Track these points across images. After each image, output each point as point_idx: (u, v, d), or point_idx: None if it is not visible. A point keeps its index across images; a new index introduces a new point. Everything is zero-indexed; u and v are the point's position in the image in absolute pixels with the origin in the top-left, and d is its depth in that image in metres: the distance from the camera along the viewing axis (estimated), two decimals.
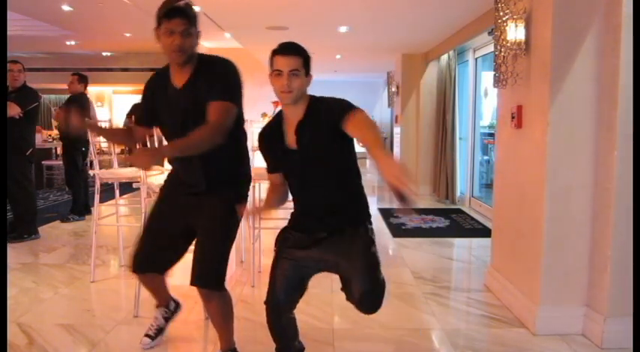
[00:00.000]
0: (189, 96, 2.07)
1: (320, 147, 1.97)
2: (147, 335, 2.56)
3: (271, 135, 2.09)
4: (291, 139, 2.01)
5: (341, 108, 1.90)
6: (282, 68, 1.92)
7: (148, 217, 2.35)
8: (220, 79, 2.06)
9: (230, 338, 2.33)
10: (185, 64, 2.06)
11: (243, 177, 2.30)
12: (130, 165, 2.14)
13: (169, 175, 2.37)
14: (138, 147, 2.27)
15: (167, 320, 2.62)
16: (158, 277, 2.43)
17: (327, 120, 1.92)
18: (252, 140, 3.00)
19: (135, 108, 9.56)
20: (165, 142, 2.33)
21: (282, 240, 2.16)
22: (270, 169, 2.15)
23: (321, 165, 2.00)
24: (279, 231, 2.20)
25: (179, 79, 2.10)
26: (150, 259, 2.30)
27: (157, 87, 2.19)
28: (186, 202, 2.22)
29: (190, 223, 2.23)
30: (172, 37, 1.97)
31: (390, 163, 1.58)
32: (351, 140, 1.97)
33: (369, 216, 2.11)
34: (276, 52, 1.96)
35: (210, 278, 2.16)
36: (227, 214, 2.20)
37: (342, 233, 2.04)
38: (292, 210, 2.17)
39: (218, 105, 2.01)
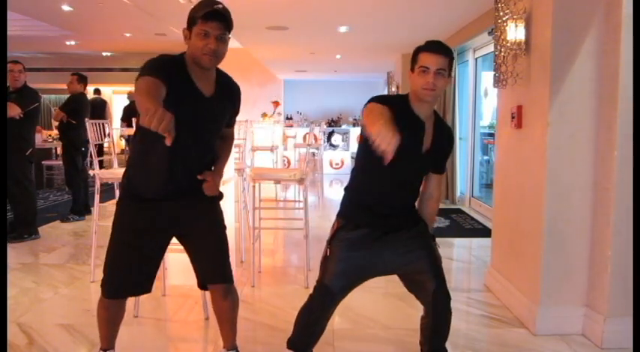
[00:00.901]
0: (216, 108, 2.05)
1: (438, 157, 2.09)
2: None
3: (402, 110, 1.94)
4: (427, 139, 2.01)
5: (447, 158, 2.17)
6: (429, 65, 1.89)
7: (120, 234, 2.08)
8: (239, 106, 2.19)
9: (236, 334, 2.31)
10: (209, 70, 2.00)
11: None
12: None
13: (133, 191, 2.08)
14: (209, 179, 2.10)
15: None
16: (123, 309, 2.20)
17: (447, 148, 2.12)
18: (253, 140, 2.99)
19: (127, 112, 9.51)
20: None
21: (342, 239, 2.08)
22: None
23: (422, 172, 2.10)
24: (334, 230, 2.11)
25: (205, 84, 2.00)
26: (136, 280, 2.09)
27: (176, 78, 1.93)
28: (168, 208, 2.06)
29: (175, 228, 2.13)
30: (207, 40, 1.88)
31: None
32: None
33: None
34: (423, 49, 1.94)
35: (230, 273, 2.19)
36: (217, 210, 2.21)
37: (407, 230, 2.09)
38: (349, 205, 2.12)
39: (233, 132, 2.29)
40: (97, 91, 10.91)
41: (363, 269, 2.06)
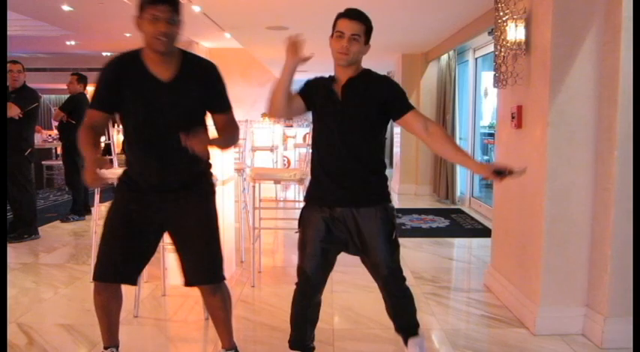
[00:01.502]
0: (179, 92, 2.01)
1: (360, 109, 2.06)
2: None
3: (324, 80, 2.14)
4: (343, 95, 2.07)
5: (403, 97, 2.09)
6: (344, 30, 2.01)
7: (112, 223, 2.11)
8: (224, 88, 2.11)
9: (232, 333, 2.29)
10: (167, 54, 1.98)
11: (209, 167, 2.24)
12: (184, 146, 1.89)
13: (126, 180, 2.15)
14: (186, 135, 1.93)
15: None
16: (117, 303, 2.20)
17: (377, 93, 2.06)
18: (252, 140, 3.00)
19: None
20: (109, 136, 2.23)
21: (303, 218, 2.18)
22: (306, 98, 2.12)
23: (356, 127, 2.06)
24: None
25: (162, 71, 2.00)
26: (120, 267, 2.09)
27: (123, 71, 2.02)
28: (159, 203, 2.09)
29: (164, 223, 2.14)
30: (157, 23, 1.90)
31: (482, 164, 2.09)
32: (387, 121, 2.13)
33: (389, 198, 2.16)
34: (341, 16, 2.05)
35: (216, 272, 2.16)
36: (209, 208, 2.18)
37: (358, 207, 2.07)
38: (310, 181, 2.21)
39: (233, 117, 2.16)
40: None
41: (325, 250, 2.12)
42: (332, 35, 2.06)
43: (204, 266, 2.14)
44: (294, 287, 2.21)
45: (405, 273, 2.21)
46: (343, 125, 2.05)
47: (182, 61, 2.03)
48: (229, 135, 2.15)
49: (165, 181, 2.08)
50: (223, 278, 2.18)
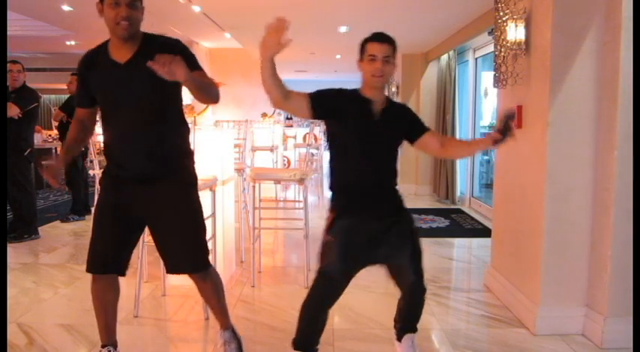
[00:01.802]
0: (138, 70, 1.95)
1: (395, 131, 2.19)
2: None
3: (352, 95, 2.18)
4: (377, 112, 2.15)
5: (418, 119, 2.25)
6: (376, 53, 2.09)
7: (97, 214, 2.18)
8: (190, 56, 2.04)
9: (227, 315, 2.34)
10: (130, 39, 2.00)
11: (188, 156, 2.24)
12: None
13: (106, 170, 2.20)
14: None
15: None
16: (113, 294, 2.22)
17: (404, 117, 2.23)
18: (252, 140, 3.00)
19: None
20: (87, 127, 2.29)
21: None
22: (315, 105, 2.10)
23: (388, 146, 2.21)
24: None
25: (121, 54, 2.02)
26: (108, 258, 2.14)
27: (91, 64, 2.09)
28: (135, 192, 2.11)
29: (143, 214, 2.15)
30: (118, 8, 1.93)
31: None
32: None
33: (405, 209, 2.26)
34: (369, 40, 2.13)
35: (199, 262, 2.20)
36: (188, 197, 2.18)
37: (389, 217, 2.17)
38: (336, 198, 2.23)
39: (203, 73, 2.07)
40: None
41: (358, 259, 2.15)
42: (361, 59, 2.14)
43: (185, 255, 2.17)
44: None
45: None
46: (380, 143, 2.17)
47: (140, 42, 2.04)
48: (206, 81, 2.06)
49: (138, 165, 2.09)
50: (207, 266, 2.22)
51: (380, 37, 2.12)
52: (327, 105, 2.13)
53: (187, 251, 2.17)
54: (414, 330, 2.36)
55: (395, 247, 2.16)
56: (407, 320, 2.36)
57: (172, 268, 2.20)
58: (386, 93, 2.24)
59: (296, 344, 2.19)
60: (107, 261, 2.13)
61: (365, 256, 2.15)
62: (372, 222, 2.14)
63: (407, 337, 2.34)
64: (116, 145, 2.12)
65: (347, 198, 2.18)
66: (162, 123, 2.09)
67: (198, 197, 2.22)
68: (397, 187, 2.26)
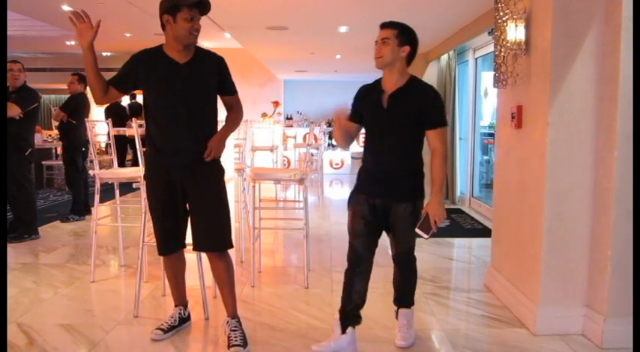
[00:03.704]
0: (193, 70, 2.44)
1: (405, 115, 2.37)
2: (159, 329, 2.68)
3: (371, 88, 2.49)
4: (385, 101, 2.39)
5: (437, 112, 2.40)
6: (377, 39, 2.37)
7: (150, 201, 2.57)
8: (230, 76, 2.58)
9: (235, 303, 2.65)
10: (189, 46, 2.46)
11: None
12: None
13: (150, 159, 2.56)
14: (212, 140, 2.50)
15: (180, 322, 2.75)
16: (181, 264, 2.73)
17: (420, 104, 2.36)
18: (252, 140, 3.02)
19: (132, 110, 9.51)
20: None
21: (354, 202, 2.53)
22: (353, 116, 2.53)
23: (398, 132, 2.39)
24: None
25: (180, 57, 2.45)
26: (172, 240, 2.60)
27: (149, 60, 2.49)
28: (176, 177, 2.48)
29: (185, 194, 2.52)
30: (193, 22, 2.39)
31: (438, 202, 2.40)
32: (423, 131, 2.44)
33: (421, 195, 2.49)
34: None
35: (224, 241, 2.55)
36: (218, 180, 2.56)
37: (394, 202, 2.44)
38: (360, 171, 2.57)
39: (238, 98, 2.63)
40: (133, 96, 10.32)
41: (369, 232, 2.47)
42: None
43: (213, 235, 2.53)
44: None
45: None
46: (389, 131, 2.39)
47: (195, 51, 2.50)
48: (234, 116, 2.63)
49: (180, 149, 2.45)
50: (231, 246, 2.57)
51: (381, 24, 2.39)
52: (358, 112, 2.52)
53: (215, 230, 2.52)
54: (407, 304, 2.64)
55: (391, 222, 2.46)
56: (399, 288, 2.65)
57: (199, 245, 2.56)
58: (409, 75, 2.41)
59: (340, 313, 2.52)
60: (172, 243, 2.61)
61: (370, 226, 2.45)
62: (375, 201, 2.44)
63: (402, 312, 2.65)
64: (164, 133, 2.48)
65: (361, 178, 2.52)
66: (203, 117, 2.49)
67: (225, 185, 2.59)
68: (415, 175, 2.46)
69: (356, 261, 2.48)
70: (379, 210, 2.44)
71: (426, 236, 2.36)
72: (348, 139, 2.54)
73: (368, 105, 2.46)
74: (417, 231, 2.38)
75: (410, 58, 2.40)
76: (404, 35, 2.34)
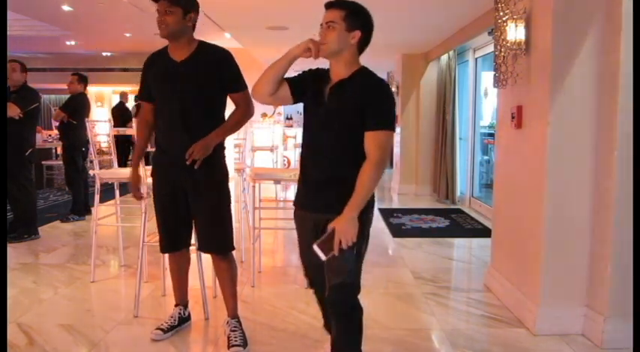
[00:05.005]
0: (189, 68, 2.40)
1: (342, 113, 1.89)
2: (159, 329, 2.67)
3: (321, 75, 1.98)
4: (329, 94, 1.93)
5: (379, 111, 1.87)
6: (322, 21, 1.89)
7: (155, 200, 2.58)
8: (237, 71, 2.48)
9: (236, 303, 2.66)
10: (177, 40, 2.42)
11: (223, 150, 2.59)
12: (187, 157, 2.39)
13: (156, 159, 2.57)
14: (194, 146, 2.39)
15: (180, 322, 2.75)
16: (185, 261, 2.73)
17: (361, 101, 1.86)
18: (252, 140, 3.01)
19: (137, 110, 9.50)
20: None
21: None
22: (295, 90, 1.98)
23: (336, 132, 1.91)
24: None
25: (178, 54, 2.44)
26: (172, 239, 2.61)
27: (152, 62, 2.52)
28: (177, 178, 2.47)
29: (187, 195, 2.51)
30: (159, 15, 2.36)
31: (349, 218, 1.81)
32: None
33: (365, 208, 1.91)
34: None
35: (226, 244, 2.57)
36: (219, 182, 2.53)
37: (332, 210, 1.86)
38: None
39: (246, 96, 2.48)
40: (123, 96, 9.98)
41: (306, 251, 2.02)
42: None
43: (214, 237, 2.54)
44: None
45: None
46: (326, 129, 1.92)
47: (196, 47, 2.45)
48: (235, 116, 2.52)
49: (179, 149, 2.38)
50: (232, 248, 2.59)
51: (326, 4, 1.90)
52: (299, 84, 2.02)
53: (217, 232, 2.53)
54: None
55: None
56: (333, 345, 2.16)
57: (203, 246, 2.58)
58: (358, 66, 1.94)
59: (325, 325, 2.35)
60: (172, 241, 2.61)
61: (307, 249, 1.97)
62: (305, 213, 2.05)
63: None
64: (165, 133, 2.49)
65: (298, 185, 2.09)
66: (203, 117, 2.44)
67: (228, 187, 2.57)
68: (348, 178, 1.88)
69: (312, 285, 2.28)
70: (320, 226, 1.92)
71: (324, 257, 1.82)
72: (277, 79, 1.93)
73: (312, 93, 1.97)
74: (315, 247, 1.81)
75: (362, 44, 1.92)
76: (353, 17, 1.86)
